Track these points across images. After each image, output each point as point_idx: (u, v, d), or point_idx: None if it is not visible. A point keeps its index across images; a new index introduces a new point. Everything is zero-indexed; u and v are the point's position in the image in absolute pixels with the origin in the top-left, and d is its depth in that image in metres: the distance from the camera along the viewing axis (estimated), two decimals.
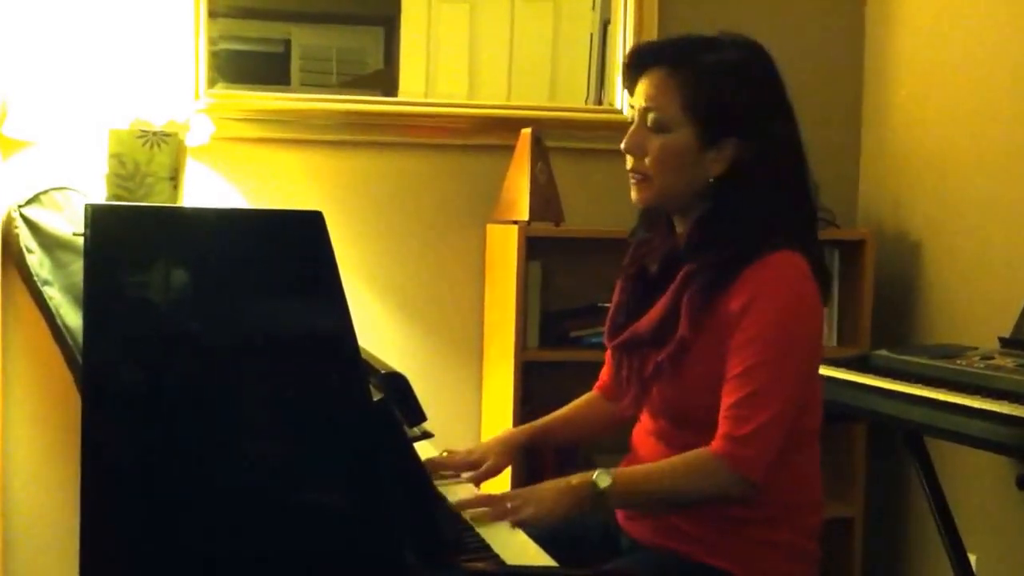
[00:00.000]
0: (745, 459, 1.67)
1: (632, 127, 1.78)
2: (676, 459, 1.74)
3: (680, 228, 1.81)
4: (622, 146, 1.79)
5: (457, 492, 1.85)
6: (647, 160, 1.76)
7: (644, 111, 1.76)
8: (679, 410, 1.79)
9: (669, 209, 1.82)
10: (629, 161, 1.79)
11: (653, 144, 1.75)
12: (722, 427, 1.69)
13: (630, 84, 1.80)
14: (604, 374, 2.04)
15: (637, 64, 1.79)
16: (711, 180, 1.74)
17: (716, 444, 1.69)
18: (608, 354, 1.96)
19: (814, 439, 1.83)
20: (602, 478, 1.69)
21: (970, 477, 2.72)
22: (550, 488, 1.72)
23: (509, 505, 1.70)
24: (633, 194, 1.80)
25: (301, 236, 1.41)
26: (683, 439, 1.77)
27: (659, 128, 1.74)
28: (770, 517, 1.77)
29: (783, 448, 1.71)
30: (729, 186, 1.73)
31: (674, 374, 1.75)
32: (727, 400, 1.69)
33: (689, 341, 1.72)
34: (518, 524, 1.67)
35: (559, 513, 1.69)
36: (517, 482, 2.51)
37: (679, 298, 1.74)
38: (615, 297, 1.90)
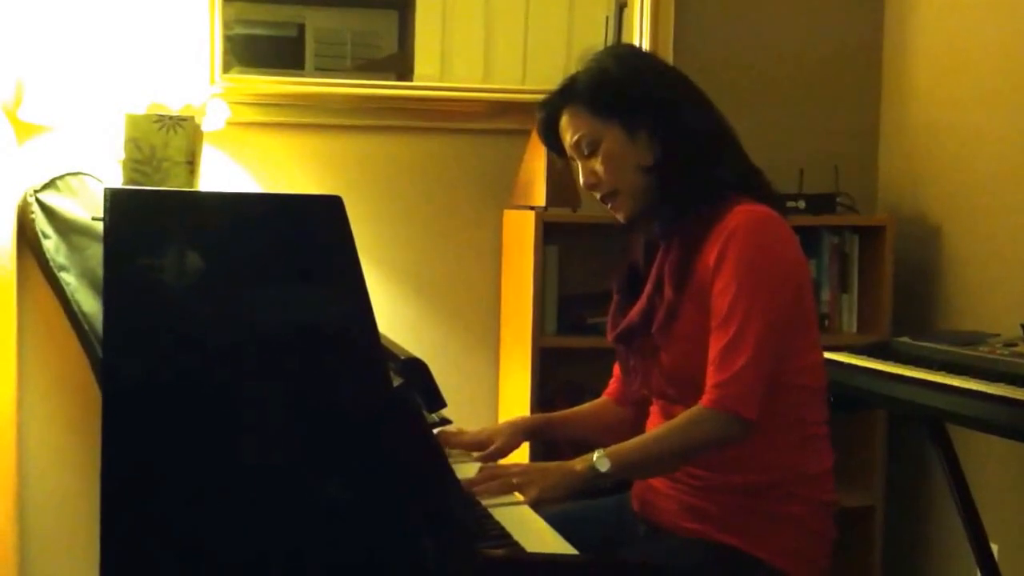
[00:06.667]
0: (730, 396, 1.72)
1: (580, 167, 1.90)
2: (669, 422, 1.80)
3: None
4: (581, 184, 1.92)
5: (463, 471, 1.86)
6: (604, 180, 1.85)
7: (576, 146, 1.88)
8: (681, 379, 1.83)
9: (650, 210, 1.87)
10: (596, 193, 1.90)
11: (598, 163, 1.86)
12: (709, 379, 1.75)
13: (556, 147, 1.93)
14: (613, 381, 2.09)
15: (549, 125, 1.91)
16: (656, 162, 1.83)
17: (705, 395, 1.74)
18: (616, 359, 2.03)
19: (818, 400, 1.86)
20: (602, 462, 1.75)
21: (993, 465, 2.70)
22: (555, 470, 1.77)
23: (515, 481, 1.76)
24: (618, 217, 1.90)
25: (321, 221, 1.40)
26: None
27: (593, 147, 1.86)
28: (783, 491, 1.80)
29: (789, 405, 1.79)
30: (669, 160, 1.82)
31: (669, 342, 1.82)
32: (711, 353, 1.76)
33: (675, 304, 1.79)
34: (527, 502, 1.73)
35: (562, 496, 1.76)
36: None
37: (661, 273, 1.82)
38: (613, 301, 1.98)
